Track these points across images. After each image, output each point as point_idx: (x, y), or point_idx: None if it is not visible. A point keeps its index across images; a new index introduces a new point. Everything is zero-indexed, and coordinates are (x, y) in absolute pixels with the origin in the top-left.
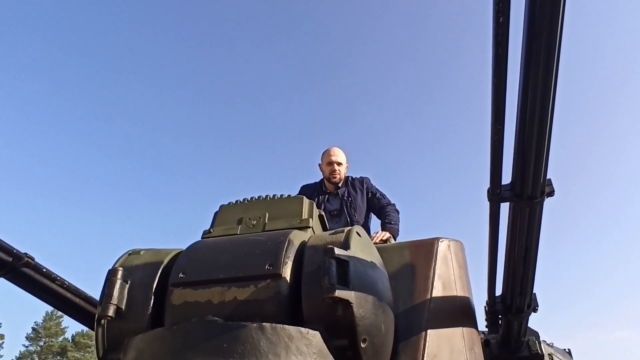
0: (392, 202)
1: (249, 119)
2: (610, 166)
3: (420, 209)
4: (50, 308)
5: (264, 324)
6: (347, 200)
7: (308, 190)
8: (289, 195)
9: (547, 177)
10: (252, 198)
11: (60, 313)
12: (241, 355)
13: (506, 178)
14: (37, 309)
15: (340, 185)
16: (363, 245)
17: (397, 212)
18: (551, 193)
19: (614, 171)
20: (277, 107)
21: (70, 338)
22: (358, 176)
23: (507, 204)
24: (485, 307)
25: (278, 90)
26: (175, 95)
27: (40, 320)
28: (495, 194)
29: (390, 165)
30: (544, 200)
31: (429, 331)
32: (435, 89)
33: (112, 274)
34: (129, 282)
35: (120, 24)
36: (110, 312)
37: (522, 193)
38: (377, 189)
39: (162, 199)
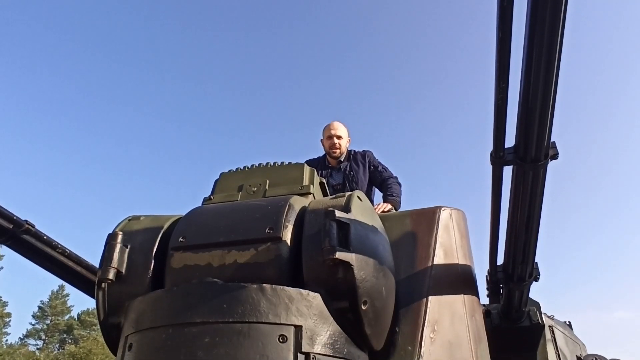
0: (395, 175)
1: (253, 95)
2: (613, 153)
3: (422, 179)
4: (55, 287)
5: (264, 285)
6: (349, 174)
7: (311, 165)
8: (289, 162)
9: (552, 140)
10: (252, 165)
11: (65, 292)
12: (241, 315)
13: (509, 143)
14: (43, 288)
15: (342, 159)
16: (364, 210)
17: (399, 184)
18: (555, 156)
19: (617, 158)
20: (279, 81)
21: (76, 316)
22: (360, 150)
23: (510, 171)
24: (486, 276)
25: (278, 61)
26: (178, 72)
27: (46, 299)
28: (499, 157)
29: (391, 135)
30: (547, 163)
31: (430, 297)
32: (437, 48)
33: (112, 238)
34: (129, 246)
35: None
36: (111, 275)
37: (525, 156)
38: (379, 162)
39: (161, 176)
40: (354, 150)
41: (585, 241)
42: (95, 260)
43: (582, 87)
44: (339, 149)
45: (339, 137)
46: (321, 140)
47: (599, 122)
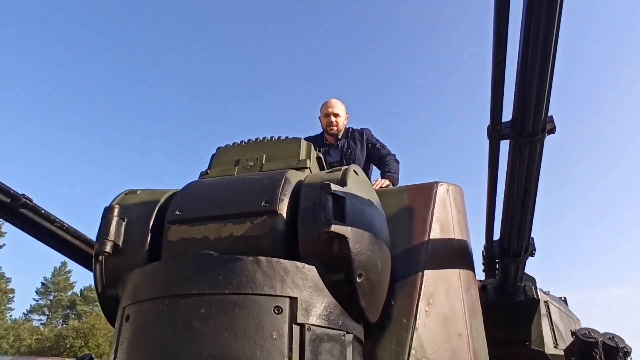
0: (392, 153)
1: (251, 68)
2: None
3: (420, 154)
4: (58, 264)
5: (259, 257)
6: (347, 152)
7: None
8: (286, 137)
9: (549, 114)
10: (249, 140)
11: (68, 268)
12: (237, 287)
13: (507, 117)
14: (46, 265)
15: (340, 137)
16: (360, 184)
17: (397, 162)
18: (552, 130)
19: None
20: (277, 54)
21: (79, 292)
22: (358, 127)
23: (508, 145)
24: (482, 251)
25: (275, 34)
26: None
27: (49, 276)
28: (496, 130)
29: (388, 107)
30: (544, 137)
31: (425, 272)
32: (433, 19)
33: (108, 211)
34: (125, 219)
35: None
36: (107, 248)
37: (522, 130)
38: (377, 140)
39: (160, 146)
40: (352, 128)
41: (579, 218)
42: (94, 235)
43: (581, 61)
44: (336, 126)
45: (336, 115)
46: (319, 117)
47: (599, 101)
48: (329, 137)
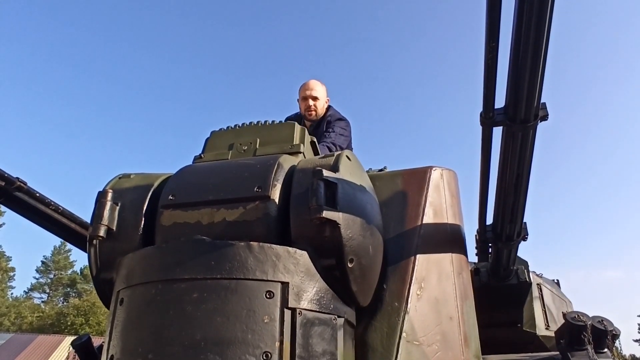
0: (335, 142)
1: (243, 50)
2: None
3: (415, 141)
4: (58, 243)
5: (251, 242)
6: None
7: None
8: (280, 121)
9: (542, 101)
10: (243, 124)
11: (68, 247)
12: (229, 272)
13: (500, 104)
14: (46, 244)
15: (316, 122)
16: (353, 169)
17: (327, 148)
18: (545, 117)
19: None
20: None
21: (79, 271)
22: (340, 116)
23: (500, 131)
24: (476, 235)
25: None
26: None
27: (49, 254)
28: (488, 117)
29: (385, 93)
30: (537, 124)
31: (418, 256)
32: (426, 7)
33: (102, 195)
34: (119, 204)
35: None
36: (101, 232)
37: (515, 116)
38: (334, 128)
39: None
40: (331, 118)
41: (574, 198)
42: (89, 218)
43: (576, 46)
44: (315, 111)
45: (314, 99)
46: (298, 100)
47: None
48: (307, 121)
